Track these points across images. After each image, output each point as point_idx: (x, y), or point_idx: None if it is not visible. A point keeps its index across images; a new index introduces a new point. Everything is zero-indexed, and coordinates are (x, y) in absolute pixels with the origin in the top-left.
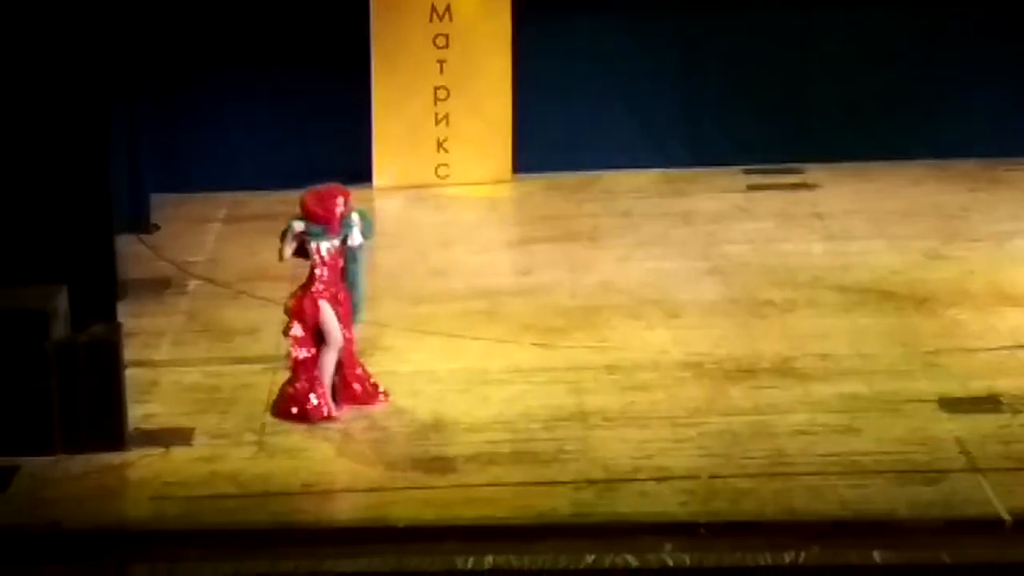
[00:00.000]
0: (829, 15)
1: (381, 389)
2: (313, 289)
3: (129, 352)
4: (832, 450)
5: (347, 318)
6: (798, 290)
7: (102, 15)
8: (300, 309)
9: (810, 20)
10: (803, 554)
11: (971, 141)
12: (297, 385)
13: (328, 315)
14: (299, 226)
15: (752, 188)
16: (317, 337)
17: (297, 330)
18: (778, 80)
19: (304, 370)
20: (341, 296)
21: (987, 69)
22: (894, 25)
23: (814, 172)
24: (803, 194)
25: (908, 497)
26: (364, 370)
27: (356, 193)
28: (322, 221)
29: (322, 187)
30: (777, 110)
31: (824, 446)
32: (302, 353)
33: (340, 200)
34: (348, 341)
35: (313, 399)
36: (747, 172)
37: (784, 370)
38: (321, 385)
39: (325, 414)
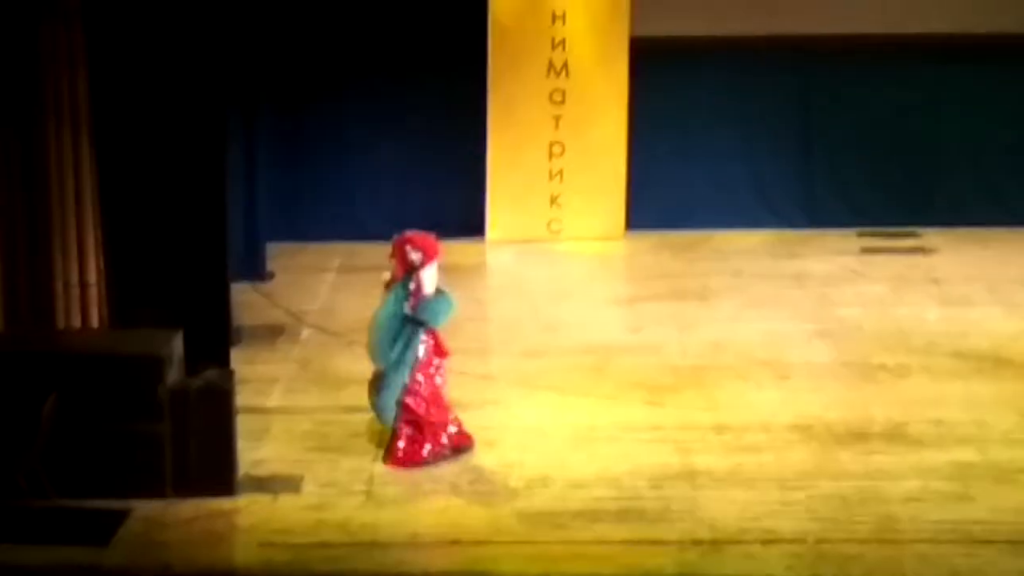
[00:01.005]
0: (957, 74)
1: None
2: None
3: (241, 398)
4: (944, 518)
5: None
6: (912, 355)
7: (223, 59)
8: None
9: (935, 79)
10: None
11: None
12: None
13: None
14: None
15: (867, 251)
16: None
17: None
18: (898, 140)
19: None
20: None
21: None
22: (1015, 88)
23: (931, 236)
24: (919, 258)
25: (1020, 567)
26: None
27: (470, 246)
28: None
29: (415, 232)
30: (895, 172)
31: (936, 513)
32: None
33: (409, 248)
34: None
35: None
36: (861, 235)
37: (896, 435)
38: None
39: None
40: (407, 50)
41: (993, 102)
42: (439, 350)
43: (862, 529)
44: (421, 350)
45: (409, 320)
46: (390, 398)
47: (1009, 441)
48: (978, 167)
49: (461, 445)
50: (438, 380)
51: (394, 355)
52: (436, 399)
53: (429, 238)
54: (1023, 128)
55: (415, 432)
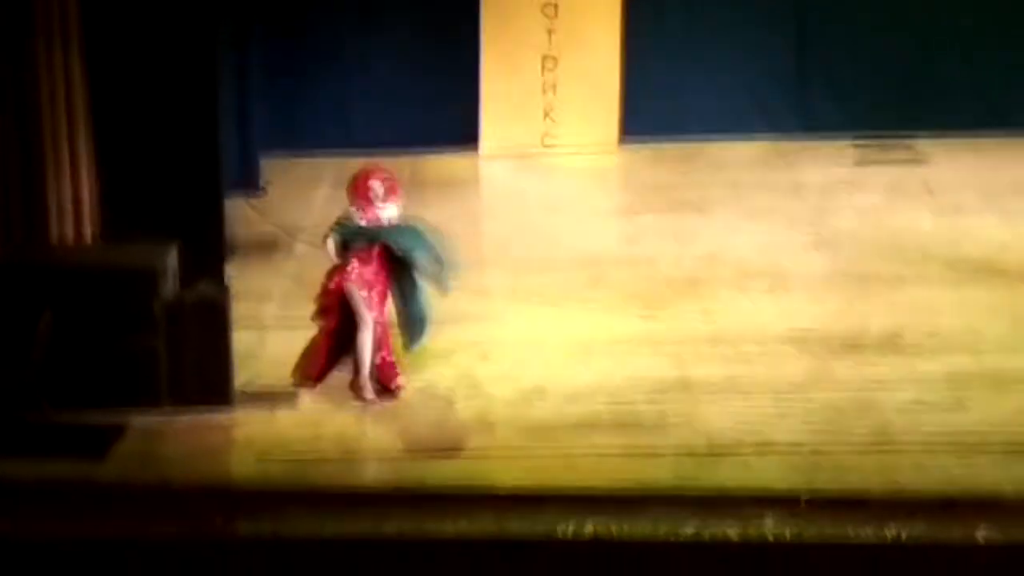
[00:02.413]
0: None
1: (398, 380)
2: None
3: (236, 313)
4: (938, 426)
5: (380, 304)
6: (906, 265)
7: None
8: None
9: None
10: (906, 530)
11: None
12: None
13: (355, 296)
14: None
15: (861, 161)
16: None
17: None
18: (893, 48)
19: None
20: (378, 283)
21: None
22: None
23: (926, 145)
24: (913, 168)
25: (1015, 475)
26: (388, 356)
27: (463, 160)
28: (354, 200)
29: (369, 164)
30: (890, 77)
31: (930, 422)
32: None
33: (375, 182)
34: (379, 324)
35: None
36: (856, 145)
37: (891, 345)
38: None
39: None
40: None
41: (989, 8)
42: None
43: (857, 439)
44: None
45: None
46: None
47: (1003, 349)
48: (973, 74)
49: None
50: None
51: None
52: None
53: (379, 166)
54: (1016, 37)
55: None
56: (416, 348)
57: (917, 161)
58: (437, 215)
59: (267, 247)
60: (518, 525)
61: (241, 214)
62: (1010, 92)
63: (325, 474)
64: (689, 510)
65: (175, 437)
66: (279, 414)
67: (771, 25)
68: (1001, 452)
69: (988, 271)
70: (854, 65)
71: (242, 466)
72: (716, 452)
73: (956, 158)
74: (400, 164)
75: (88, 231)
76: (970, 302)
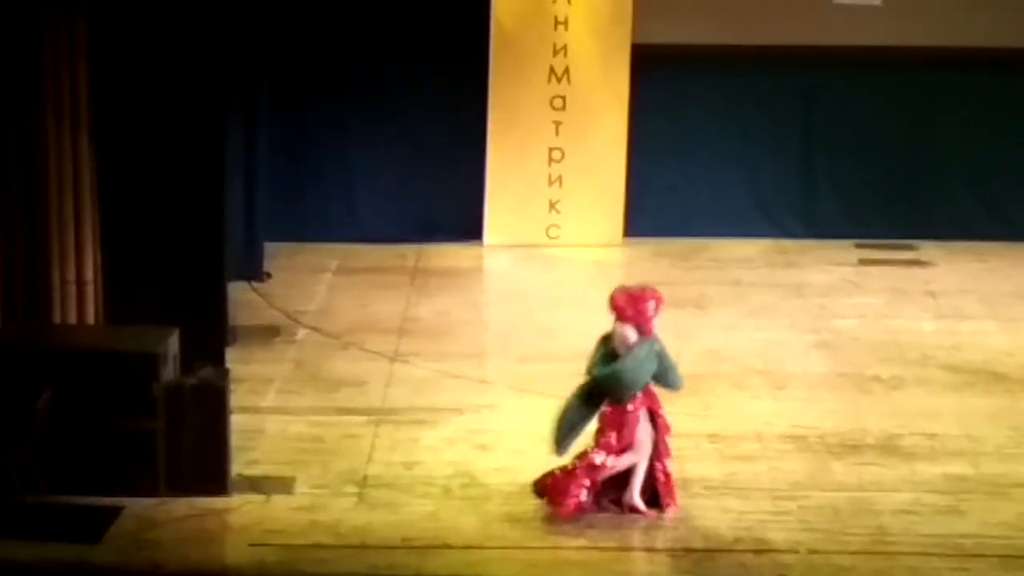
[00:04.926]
0: (958, 86)
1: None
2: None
3: (236, 398)
4: (935, 531)
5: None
6: (907, 367)
7: (225, 56)
8: (618, 419)
9: (936, 90)
10: None
11: None
12: (572, 476)
13: (644, 425)
14: (631, 336)
15: (864, 262)
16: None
17: (612, 438)
18: (897, 152)
19: (587, 473)
20: (657, 407)
21: None
22: (1017, 101)
23: (928, 249)
24: (916, 271)
25: None
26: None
27: (468, 250)
28: (631, 321)
29: (634, 287)
30: (895, 184)
31: (927, 527)
32: (601, 457)
33: (652, 303)
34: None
35: (575, 494)
36: (859, 246)
37: (889, 448)
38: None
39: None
40: (409, 52)
41: (994, 116)
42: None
43: (854, 541)
44: None
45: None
46: None
47: (1001, 455)
48: (977, 181)
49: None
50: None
51: None
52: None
53: (650, 287)
54: (1022, 142)
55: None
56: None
57: (919, 264)
58: (440, 304)
59: (269, 333)
60: None
61: (244, 299)
62: (1012, 200)
63: (319, 561)
64: None
65: (170, 521)
66: (275, 500)
67: (777, 128)
68: (997, 557)
69: (988, 376)
70: (858, 170)
71: (236, 552)
72: (712, 550)
73: (958, 263)
74: (404, 253)
75: (91, 313)
76: (969, 407)
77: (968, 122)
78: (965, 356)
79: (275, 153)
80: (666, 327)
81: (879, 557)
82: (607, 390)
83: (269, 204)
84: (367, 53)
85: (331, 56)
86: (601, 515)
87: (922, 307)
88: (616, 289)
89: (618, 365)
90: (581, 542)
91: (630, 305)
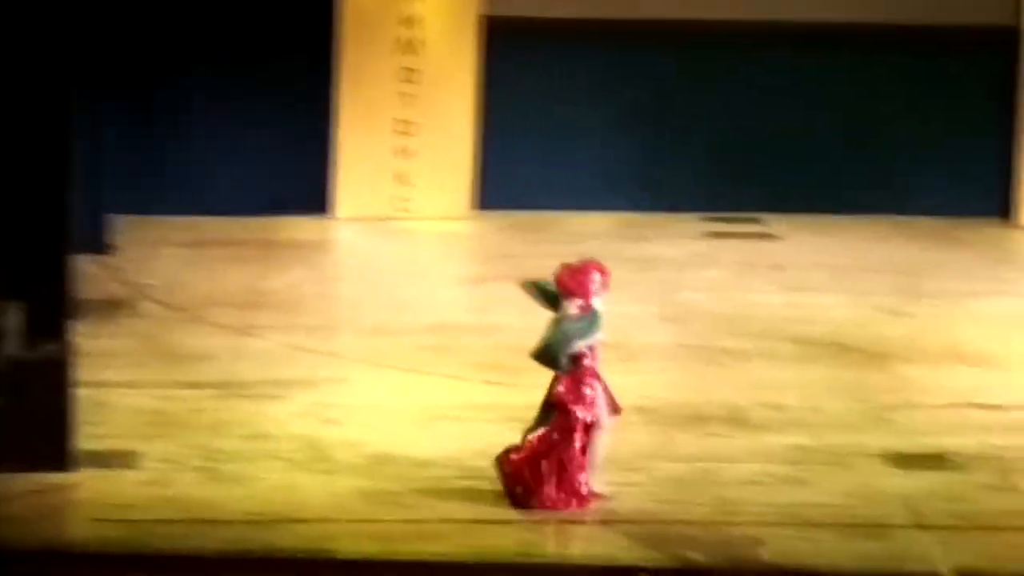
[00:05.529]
0: (808, 63)
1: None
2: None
3: (80, 373)
4: (779, 501)
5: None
6: (754, 340)
7: (70, 31)
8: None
9: (786, 66)
10: None
11: (933, 200)
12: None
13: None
14: (573, 311)
15: (713, 236)
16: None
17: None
18: (747, 127)
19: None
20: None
21: (953, 129)
22: (864, 78)
23: (775, 223)
24: (764, 244)
25: (852, 551)
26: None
27: (317, 224)
28: (576, 295)
29: (577, 262)
30: (743, 158)
31: (771, 496)
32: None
33: (595, 276)
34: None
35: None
36: (708, 220)
37: (735, 419)
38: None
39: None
40: (255, 24)
41: (841, 91)
42: None
43: (699, 511)
44: None
45: None
46: None
47: (844, 426)
48: (825, 156)
49: None
50: None
51: None
52: None
53: (595, 261)
54: (868, 118)
55: None
56: None
57: (767, 237)
58: (290, 278)
59: (115, 307)
60: None
61: (89, 272)
62: (859, 174)
63: (166, 536)
64: None
65: (12, 498)
66: (120, 475)
67: (629, 102)
68: (838, 526)
69: (834, 349)
70: (707, 145)
71: (80, 528)
72: (561, 522)
73: (806, 236)
74: (253, 227)
75: None
76: (815, 379)
77: (815, 97)
78: (812, 329)
79: (121, 126)
80: (516, 300)
81: (724, 527)
82: (543, 362)
83: (115, 178)
84: (213, 25)
85: (176, 28)
86: (454, 486)
87: (770, 280)
88: (559, 267)
89: (546, 335)
90: (431, 515)
91: (573, 279)
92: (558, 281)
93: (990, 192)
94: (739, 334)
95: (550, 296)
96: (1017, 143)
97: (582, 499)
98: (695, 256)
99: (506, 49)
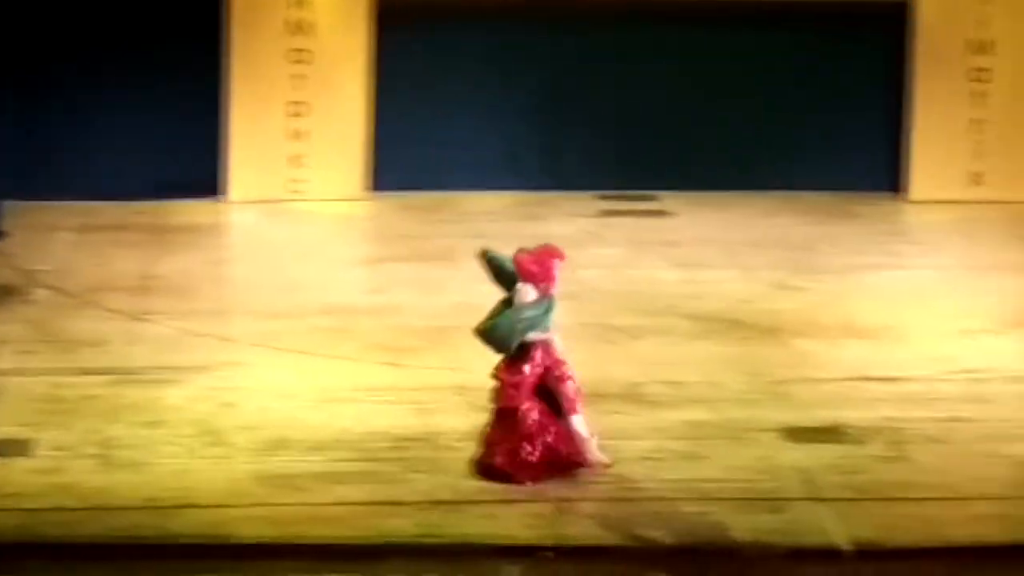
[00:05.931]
0: (702, 40)
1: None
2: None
3: None
4: (678, 476)
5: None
6: (649, 317)
7: None
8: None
9: (675, 47)
10: None
11: (826, 175)
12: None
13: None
14: (530, 295)
15: (606, 213)
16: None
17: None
18: (640, 105)
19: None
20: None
21: (844, 104)
22: (755, 55)
23: (669, 200)
24: (657, 221)
25: (750, 524)
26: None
27: (210, 207)
28: (537, 280)
29: (538, 248)
30: (637, 136)
31: (670, 472)
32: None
33: (556, 261)
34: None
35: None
36: (602, 198)
37: (632, 396)
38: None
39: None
40: (144, 6)
41: (734, 68)
42: None
43: (599, 488)
44: None
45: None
46: None
47: (740, 401)
48: (718, 133)
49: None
50: None
51: None
52: None
53: (554, 247)
54: (760, 95)
55: None
56: None
57: (661, 214)
58: (183, 262)
59: (5, 292)
60: None
61: None
62: (751, 151)
63: (60, 524)
64: (432, 561)
65: None
66: (12, 463)
67: (524, 81)
68: (737, 500)
69: (728, 324)
70: (601, 123)
71: None
72: (461, 501)
73: (699, 213)
74: (144, 211)
75: None
76: (710, 354)
77: (708, 75)
78: (706, 305)
79: (9, 113)
80: (412, 281)
81: (623, 503)
82: (491, 343)
83: (4, 164)
84: (101, 8)
85: (64, 11)
86: (351, 469)
87: (664, 257)
88: (518, 252)
89: (497, 316)
90: (328, 498)
91: (537, 263)
92: (519, 264)
93: (882, 167)
94: (635, 311)
95: (505, 275)
96: (907, 118)
97: (534, 468)
98: (589, 234)
99: (398, 29)
